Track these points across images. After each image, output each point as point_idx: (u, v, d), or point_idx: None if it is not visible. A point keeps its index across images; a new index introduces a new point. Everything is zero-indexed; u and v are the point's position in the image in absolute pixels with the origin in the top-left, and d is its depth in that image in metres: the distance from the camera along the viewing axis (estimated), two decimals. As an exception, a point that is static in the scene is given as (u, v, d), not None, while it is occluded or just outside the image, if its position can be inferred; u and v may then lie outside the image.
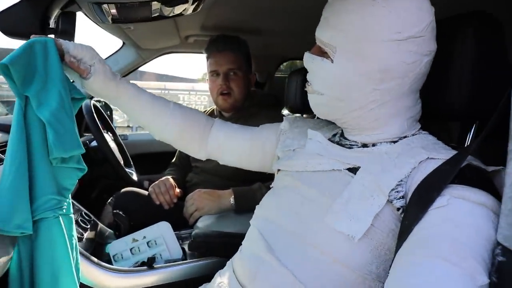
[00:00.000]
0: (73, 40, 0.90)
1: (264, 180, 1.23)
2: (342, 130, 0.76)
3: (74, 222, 0.76)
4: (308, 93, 0.71)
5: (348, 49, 0.62)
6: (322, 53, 0.66)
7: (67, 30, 0.88)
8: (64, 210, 0.72)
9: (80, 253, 1.00)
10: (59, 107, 0.67)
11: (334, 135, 0.77)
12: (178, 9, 1.02)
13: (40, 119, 0.67)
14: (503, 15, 0.69)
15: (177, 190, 1.40)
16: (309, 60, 0.68)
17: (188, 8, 1.03)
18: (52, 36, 0.88)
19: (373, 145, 0.67)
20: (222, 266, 0.79)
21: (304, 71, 1.55)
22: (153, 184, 1.40)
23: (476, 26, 0.65)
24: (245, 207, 1.22)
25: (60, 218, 0.70)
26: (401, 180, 0.57)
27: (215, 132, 0.91)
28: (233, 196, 1.24)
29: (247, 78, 1.45)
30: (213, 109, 1.62)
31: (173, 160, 1.69)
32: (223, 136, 0.91)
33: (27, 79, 0.67)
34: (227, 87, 1.39)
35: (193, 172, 1.54)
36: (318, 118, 1.73)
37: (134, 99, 0.82)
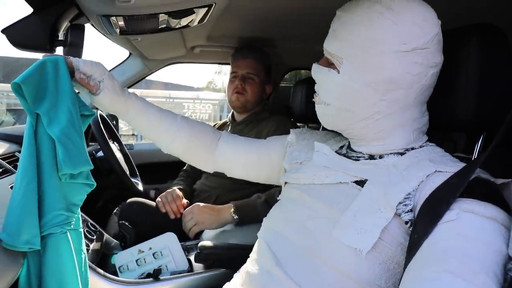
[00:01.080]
0: (82, 52, 0.92)
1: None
2: (349, 142, 0.75)
3: (83, 236, 0.76)
4: (315, 103, 0.72)
5: (354, 60, 0.62)
6: (330, 64, 0.67)
7: (76, 42, 0.89)
8: (73, 226, 0.73)
9: (86, 264, 1.00)
10: (68, 124, 0.68)
11: (341, 147, 0.77)
12: (184, 21, 1.03)
13: (50, 136, 0.68)
14: (504, 24, 0.69)
15: (184, 201, 1.41)
16: (317, 71, 0.69)
17: (195, 19, 1.04)
18: (61, 49, 0.90)
19: (380, 157, 0.67)
20: (228, 278, 0.78)
21: (309, 81, 1.56)
22: (161, 195, 1.41)
23: (481, 37, 0.65)
24: (247, 218, 1.22)
25: (68, 233, 0.71)
26: (409, 194, 0.57)
27: (222, 145, 0.92)
28: (233, 209, 1.23)
29: (263, 87, 1.54)
30: (225, 121, 1.68)
31: (184, 168, 1.72)
32: (230, 149, 0.91)
33: (38, 97, 0.69)
34: (242, 87, 1.48)
35: (203, 178, 1.55)
36: (325, 129, 1.74)
37: (142, 113, 0.84)
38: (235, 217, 1.22)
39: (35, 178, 0.67)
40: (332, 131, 0.77)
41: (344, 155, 0.73)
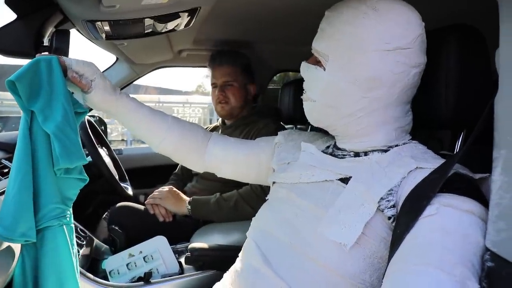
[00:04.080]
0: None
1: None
2: (335, 142, 0.77)
3: (74, 231, 0.78)
4: (303, 100, 0.74)
5: (339, 57, 0.65)
6: (317, 62, 0.69)
7: (61, 47, 0.89)
8: (68, 219, 0.75)
9: (76, 270, 0.99)
10: (63, 120, 0.70)
11: (328, 147, 0.78)
12: (171, 25, 1.04)
13: (45, 132, 0.70)
14: (484, 26, 0.72)
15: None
16: (305, 69, 0.71)
17: (181, 23, 1.05)
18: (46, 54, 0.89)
19: (365, 154, 0.68)
20: (219, 279, 0.79)
21: (297, 83, 1.57)
22: (150, 195, 1.42)
23: (459, 37, 0.67)
24: (198, 212, 1.33)
25: (64, 226, 0.73)
26: (391, 189, 0.59)
27: (212, 145, 0.93)
28: (188, 201, 1.34)
29: (245, 88, 1.54)
30: (216, 125, 1.69)
31: (175, 171, 1.73)
32: (220, 150, 0.92)
33: (33, 95, 0.70)
34: (223, 97, 1.50)
35: (194, 181, 1.56)
36: (312, 131, 1.75)
37: (133, 113, 0.85)
38: (188, 208, 1.33)
39: (29, 172, 0.68)
40: (319, 131, 0.78)
41: (330, 154, 0.75)
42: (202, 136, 0.93)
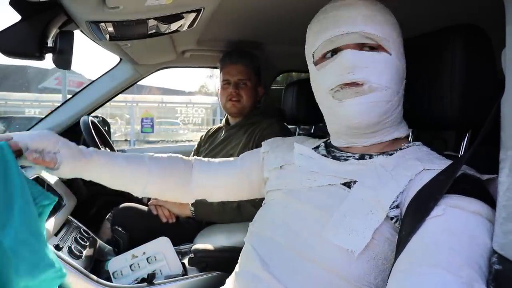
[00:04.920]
0: (71, 58, 0.92)
1: None
2: (325, 143, 0.76)
3: None
4: (359, 95, 0.63)
5: (396, 43, 0.67)
6: (373, 49, 0.64)
7: (65, 49, 0.89)
8: None
9: (79, 271, 1.00)
10: (22, 227, 0.61)
11: (317, 147, 0.77)
12: (174, 26, 1.04)
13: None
14: (489, 26, 0.71)
15: None
16: (362, 56, 0.63)
17: (184, 24, 1.05)
18: (51, 56, 0.90)
19: (370, 157, 0.67)
20: (223, 280, 0.78)
21: (300, 83, 1.57)
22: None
23: (465, 37, 0.67)
24: (200, 213, 1.32)
25: None
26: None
27: (197, 175, 0.89)
28: (191, 204, 1.33)
29: (255, 90, 1.55)
30: (219, 126, 1.69)
31: None
32: (206, 178, 0.89)
33: None
34: (236, 94, 1.50)
35: None
36: (315, 132, 1.75)
37: (108, 167, 0.80)
38: (191, 210, 1.32)
39: None
40: (302, 136, 0.76)
41: (328, 155, 0.73)
42: (184, 167, 0.89)
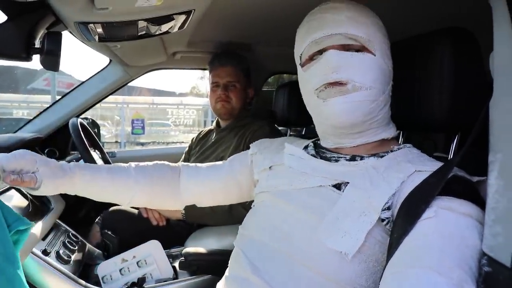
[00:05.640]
0: (59, 60, 0.90)
1: None
2: (314, 143, 0.77)
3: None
4: (342, 94, 0.63)
5: (381, 44, 0.67)
6: (356, 50, 0.65)
7: (53, 50, 0.88)
8: None
9: (68, 276, 0.98)
10: None
11: (306, 147, 0.77)
12: (164, 27, 1.03)
13: None
14: (477, 28, 0.72)
15: None
16: (346, 56, 0.63)
17: (175, 26, 1.04)
18: (38, 57, 0.88)
19: (361, 158, 0.67)
20: (214, 283, 0.78)
21: (291, 85, 1.57)
22: None
23: (453, 40, 0.67)
24: (193, 217, 1.32)
25: None
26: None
27: (184, 182, 0.88)
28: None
29: (245, 91, 1.56)
30: (210, 128, 1.68)
31: None
32: (194, 184, 0.88)
33: None
34: (226, 96, 1.50)
35: None
36: (306, 133, 1.75)
37: (93, 181, 0.78)
38: (182, 213, 1.31)
39: None
40: (291, 136, 0.76)
41: (317, 155, 0.73)
42: (171, 175, 0.87)
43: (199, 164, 0.93)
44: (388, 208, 0.57)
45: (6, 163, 0.64)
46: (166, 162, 0.90)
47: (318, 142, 0.78)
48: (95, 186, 0.79)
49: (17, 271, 0.61)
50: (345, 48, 0.65)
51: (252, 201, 0.81)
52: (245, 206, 1.26)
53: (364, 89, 0.63)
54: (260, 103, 2.10)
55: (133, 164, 0.86)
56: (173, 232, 1.35)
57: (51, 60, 0.88)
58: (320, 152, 0.74)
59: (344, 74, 0.63)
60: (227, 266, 0.75)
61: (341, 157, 0.69)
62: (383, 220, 0.57)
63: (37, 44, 0.90)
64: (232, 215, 1.27)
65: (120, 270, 1.12)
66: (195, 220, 1.33)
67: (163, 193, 0.86)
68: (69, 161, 0.96)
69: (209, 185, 0.88)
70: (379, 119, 0.67)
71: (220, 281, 0.75)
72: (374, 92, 0.64)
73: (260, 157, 0.84)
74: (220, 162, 0.93)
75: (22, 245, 0.66)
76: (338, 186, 0.64)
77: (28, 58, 0.88)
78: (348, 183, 0.63)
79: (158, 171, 0.86)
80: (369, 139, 0.68)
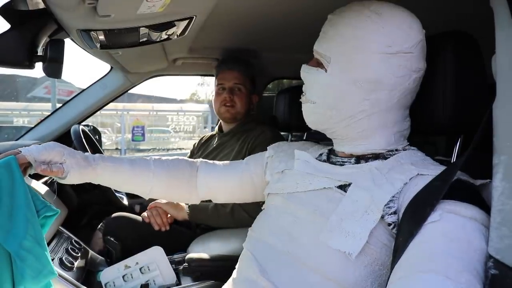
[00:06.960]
0: (62, 67, 0.91)
1: None
2: (328, 150, 0.77)
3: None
4: (302, 103, 0.73)
5: (341, 59, 0.65)
6: (318, 65, 0.69)
7: (55, 57, 0.88)
8: None
9: (71, 283, 0.98)
10: (27, 235, 0.66)
11: (321, 154, 0.78)
12: (165, 34, 1.04)
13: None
14: (479, 32, 0.72)
15: (169, 215, 1.39)
16: (305, 71, 0.71)
17: (176, 32, 1.05)
18: (41, 65, 0.88)
19: (365, 161, 0.68)
20: (217, 289, 0.78)
21: (292, 90, 1.58)
22: (147, 210, 1.40)
23: (456, 44, 0.68)
24: (197, 218, 1.35)
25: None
26: (393, 196, 0.58)
27: (202, 177, 0.91)
28: (187, 206, 1.36)
29: (249, 97, 1.56)
30: (212, 133, 1.68)
31: None
32: (211, 179, 0.91)
33: None
34: (230, 99, 1.50)
35: None
36: (307, 138, 1.76)
37: (115, 172, 0.83)
38: (187, 212, 1.34)
39: None
40: (309, 141, 0.78)
41: (327, 161, 0.74)
42: (189, 170, 0.91)
43: (216, 162, 0.96)
44: (394, 213, 0.57)
45: (37, 154, 0.72)
46: (185, 158, 0.95)
47: (333, 148, 0.79)
48: (117, 177, 0.84)
49: (45, 252, 0.68)
50: (312, 63, 0.71)
51: (255, 204, 0.82)
52: (246, 209, 1.26)
53: (310, 102, 0.70)
54: (260, 109, 2.11)
55: (154, 157, 0.90)
56: (175, 237, 1.35)
57: (54, 67, 0.89)
58: (330, 157, 0.75)
59: (304, 86, 0.72)
60: (231, 272, 0.75)
61: (346, 162, 0.70)
62: (389, 224, 0.57)
63: (40, 51, 0.91)
64: (234, 219, 1.28)
65: (123, 277, 1.11)
66: (199, 220, 1.35)
67: (180, 187, 0.90)
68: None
69: (225, 181, 0.91)
70: (360, 131, 0.67)
71: (226, 283, 0.75)
72: (319, 106, 0.69)
73: (276, 160, 0.85)
74: (237, 161, 0.96)
75: (47, 229, 0.73)
76: (343, 188, 0.65)
77: (31, 66, 0.88)
78: (351, 184, 0.64)
79: (177, 165, 0.90)
80: (355, 150, 0.70)
